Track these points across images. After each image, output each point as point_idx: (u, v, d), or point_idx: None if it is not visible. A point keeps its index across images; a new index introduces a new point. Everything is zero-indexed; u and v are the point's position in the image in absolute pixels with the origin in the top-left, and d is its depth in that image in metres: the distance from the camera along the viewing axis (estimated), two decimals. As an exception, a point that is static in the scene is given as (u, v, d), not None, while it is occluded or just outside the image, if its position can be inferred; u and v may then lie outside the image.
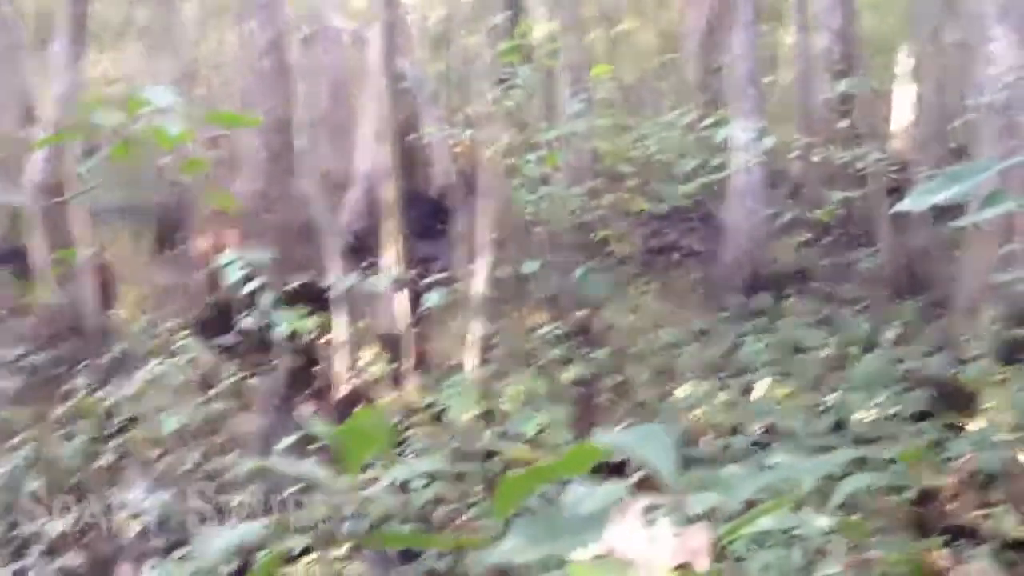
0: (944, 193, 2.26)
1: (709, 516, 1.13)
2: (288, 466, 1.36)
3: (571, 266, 6.28)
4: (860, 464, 5.24)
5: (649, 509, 0.98)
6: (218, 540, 1.25)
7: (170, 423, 6.23)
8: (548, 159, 5.30)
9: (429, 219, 18.69)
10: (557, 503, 1.11)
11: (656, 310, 11.24)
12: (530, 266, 5.36)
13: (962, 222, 2.44)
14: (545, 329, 5.94)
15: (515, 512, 1.15)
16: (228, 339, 6.83)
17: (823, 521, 1.33)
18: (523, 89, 5.33)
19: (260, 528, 1.21)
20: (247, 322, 5.25)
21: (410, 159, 19.77)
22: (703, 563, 0.88)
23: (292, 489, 5.05)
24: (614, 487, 1.10)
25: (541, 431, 5.11)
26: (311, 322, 5.24)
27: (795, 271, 13.58)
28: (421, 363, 8.16)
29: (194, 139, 2.72)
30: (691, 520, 1.11)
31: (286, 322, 5.05)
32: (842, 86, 6.50)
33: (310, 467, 1.29)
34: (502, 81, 5.53)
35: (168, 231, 19.38)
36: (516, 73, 5.56)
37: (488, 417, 6.66)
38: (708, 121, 5.07)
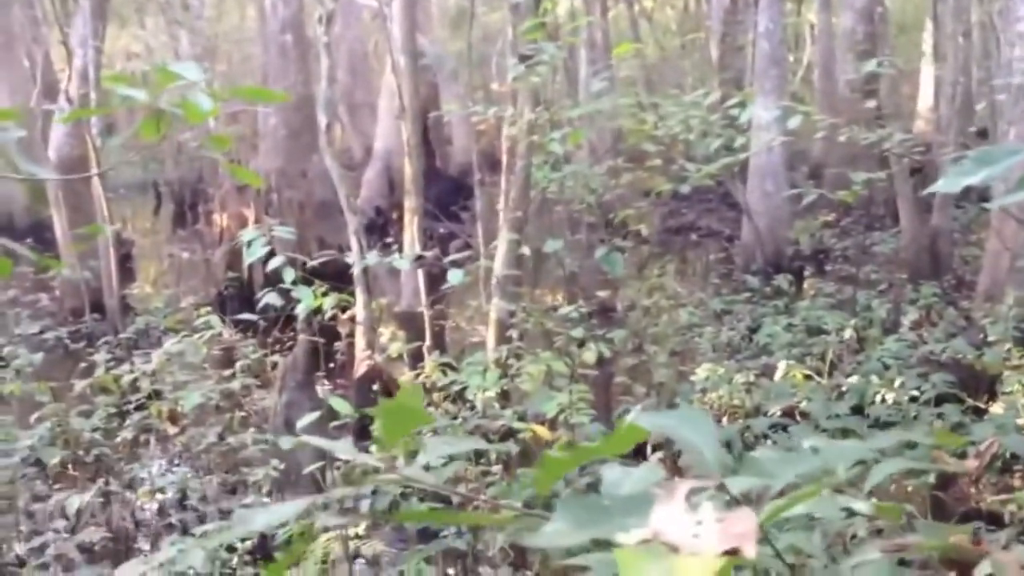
0: (978, 175, 2.23)
1: (749, 500, 1.12)
2: (320, 442, 1.35)
3: (592, 245, 6.26)
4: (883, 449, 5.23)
5: (693, 493, 0.97)
6: (260, 517, 1.24)
7: (192, 399, 6.26)
8: (572, 137, 5.27)
9: (449, 196, 18.71)
10: (595, 485, 1.11)
11: (675, 290, 11.21)
12: (552, 245, 5.33)
13: (992, 205, 2.41)
14: (565, 309, 5.91)
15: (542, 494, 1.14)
16: (250, 315, 6.83)
17: (862, 506, 1.32)
18: (547, 67, 5.29)
19: (300, 507, 1.20)
20: (269, 298, 5.25)
21: (431, 137, 19.79)
22: (751, 549, 0.87)
23: (312, 467, 5.07)
24: (652, 469, 1.09)
25: (561, 411, 5.11)
26: (332, 300, 5.24)
27: (815, 252, 13.53)
28: (440, 342, 8.18)
29: (217, 115, 2.72)
30: (731, 504, 1.10)
31: (308, 298, 5.05)
32: (868, 67, 6.41)
33: (341, 445, 1.29)
34: (524, 58, 5.49)
35: (188, 206, 19.49)
36: (540, 50, 5.52)
37: (507, 396, 6.67)
38: (731, 101, 5.02)
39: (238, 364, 6.97)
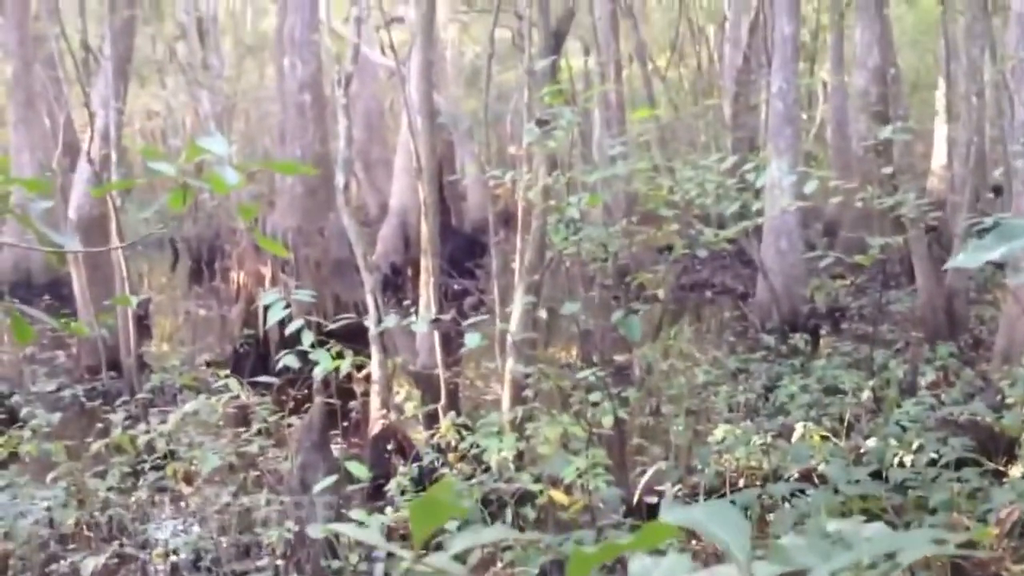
0: (996, 251, 2.25)
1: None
2: (351, 531, 1.35)
3: (605, 304, 6.27)
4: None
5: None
6: None
7: (211, 461, 6.25)
8: (590, 200, 5.32)
9: (463, 253, 18.81)
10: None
11: (690, 349, 11.19)
12: (569, 307, 5.34)
13: (1010, 280, 2.42)
14: (583, 372, 5.90)
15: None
16: (268, 377, 6.84)
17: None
18: (564, 131, 5.35)
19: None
20: (287, 360, 5.28)
21: (446, 194, 19.94)
22: None
23: (326, 531, 5.04)
24: (679, 560, 1.09)
25: (579, 475, 5.09)
26: (348, 361, 5.26)
27: (831, 310, 13.50)
28: (455, 402, 8.17)
29: (245, 185, 2.76)
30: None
31: (326, 361, 5.07)
32: (884, 133, 6.45)
33: (373, 534, 1.30)
34: (541, 123, 5.56)
35: (204, 263, 19.64)
36: (556, 115, 5.59)
37: (522, 458, 6.64)
38: (747, 165, 5.05)
39: (254, 426, 6.96)
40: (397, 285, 17.08)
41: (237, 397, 6.53)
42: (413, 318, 4.92)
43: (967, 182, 12.23)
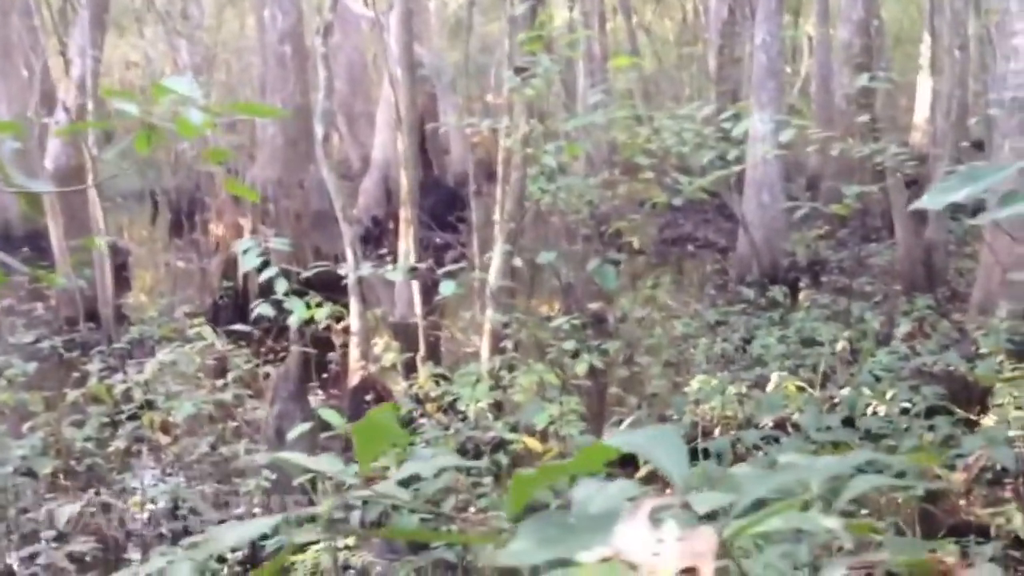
0: (962, 191, 2.25)
1: (717, 515, 1.13)
2: (300, 459, 1.35)
3: (586, 256, 6.26)
4: (871, 462, 5.23)
5: (658, 510, 0.97)
6: (231, 533, 1.26)
7: (185, 409, 6.26)
8: (568, 149, 5.28)
9: (446, 207, 18.73)
10: (566, 500, 1.11)
11: (666, 301, 11.22)
12: (545, 256, 5.34)
13: (980, 220, 2.43)
14: (559, 320, 5.92)
15: (528, 507, 1.15)
16: (243, 326, 6.83)
17: (831, 522, 1.32)
18: (542, 79, 5.31)
19: (272, 522, 1.21)
20: (262, 309, 5.26)
21: (428, 147, 19.82)
22: (708, 568, 0.87)
23: (303, 478, 5.07)
24: (624, 485, 1.09)
25: (552, 423, 5.11)
26: (325, 311, 5.24)
27: (811, 264, 13.54)
28: (434, 352, 8.18)
29: (215, 127, 2.73)
30: (700, 520, 1.11)
31: (300, 310, 5.06)
32: (861, 81, 6.42)
33: (322, 461, 1.30)
34: (520, 71, 5.51)
35: (184, 215, 19.51)
36: (536, 62, 5.53)
37: (500, 408, 6.66)
38: (726, 114, 5.02)
39: (230, 375, 6.96)
40: (378, 238, 17.01)
41: (212, 346, 6.51)
42: (391, 267, 4.90)
43: (948, 136, 12.23)
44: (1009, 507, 4.24)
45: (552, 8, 18.30)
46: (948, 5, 14.39)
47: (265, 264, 4.69)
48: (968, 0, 12.70)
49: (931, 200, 2.44)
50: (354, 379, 7.99)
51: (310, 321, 6.99)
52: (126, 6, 21.53)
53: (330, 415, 4.41)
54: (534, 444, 5.06)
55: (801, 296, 12.44)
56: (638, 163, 5.74)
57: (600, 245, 6.37)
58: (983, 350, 6.68)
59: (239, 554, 5.46)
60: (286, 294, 5.03)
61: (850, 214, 14.08)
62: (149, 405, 6.94)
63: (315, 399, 8.92)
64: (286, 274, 5.18)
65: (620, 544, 0.90)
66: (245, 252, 4.43)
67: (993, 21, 11.39)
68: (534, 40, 5.30)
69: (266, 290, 7.03)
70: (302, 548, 4.87)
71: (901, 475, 5.07)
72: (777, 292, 10.49)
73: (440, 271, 5.34)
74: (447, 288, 4.56)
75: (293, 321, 5.25)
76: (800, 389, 6.90)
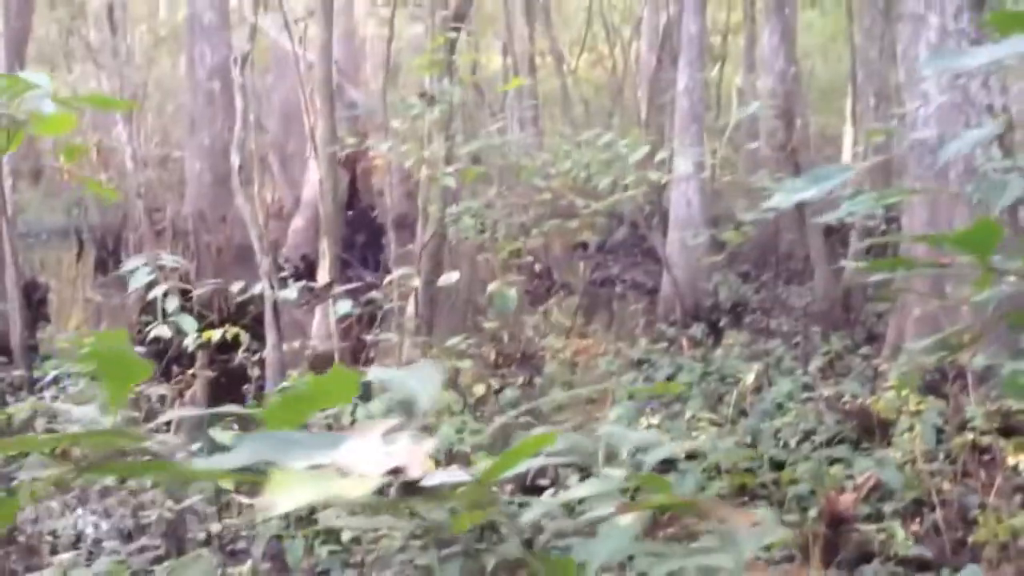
0: (810, 191, 2.32)
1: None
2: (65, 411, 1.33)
3: (485, 282, 6.29)
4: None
5: (392, 431, 0.97)
6: None
7: (67, 436, 6.10)
8: (469, 173, 5.32)
9: (379, 246, 18.68)
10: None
11: (596, 339, 11.29)
12: (445, 279, 5.36)
13: (825, 219, 2.50)
14: (453, 340, 5.93)
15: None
16: (140, 349, 6.70)
17: (615, 473, 1.33)
18: (445, 103, 5.35)
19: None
20: (159, 330, 5.18)
21: (360, 187, 19.81)
22: (415, 469, 0.88)
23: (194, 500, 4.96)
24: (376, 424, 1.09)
25: (452, 445, 5.09)
26: (218, 333, 5.18)
27: (734, 305, 13.73)
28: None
29: (75, 125, 2.69)
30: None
31: (191, 329, 4.99)
32: (749, 109, 6.59)
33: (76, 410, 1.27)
34: (423, 95, 5.56)
35: (109, 252, 19.20)
36: (444, 90, 5.59)
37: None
38: (622, 142, 5.10)
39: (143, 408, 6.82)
40: (308, 276, 16.88)
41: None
42: (289, 289, 4.87)
43: (865, 180, 12.55)
44: (890, 524, 4.31)
45: (484, 51, 18.55)
46: (868, 57, 14.84)
47: (153, 282, 4.63)
48: (883, 48, 13.12)
49: (780, 200, 2.49)
50: (268, 411, 7.89)
51: (225, 350, 6.91)
52: (54, 42, 21.32)
53: (219, 435, 4.34)
54: (429, 464, 5.02)
55: (725, 336, 12.60)
56: (538, 187, 5.79)
57: (503, 271, 6.40)
58: (887, 384, 6.81)
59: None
60: (176, 312, 4.96)
61: (775, 257, 14.32)
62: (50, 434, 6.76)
63: (232, 431, 8.79)
64: (184, 294, 5.11)
65: (342, 455, 0.89)
66: (132, 271, 4.36)
67: (903, 69, 11.76)
68: (430, 65, 5.36)
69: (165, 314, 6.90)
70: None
71: (797, 499, 5.14)
72: (696, 331, 10.63)
73: (333, 292, 5.31)
74: (343, 308, 4.54)
75: (189, 342, 5.17)
76: (713, 423, 6.97)
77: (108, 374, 1.09)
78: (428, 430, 1.23)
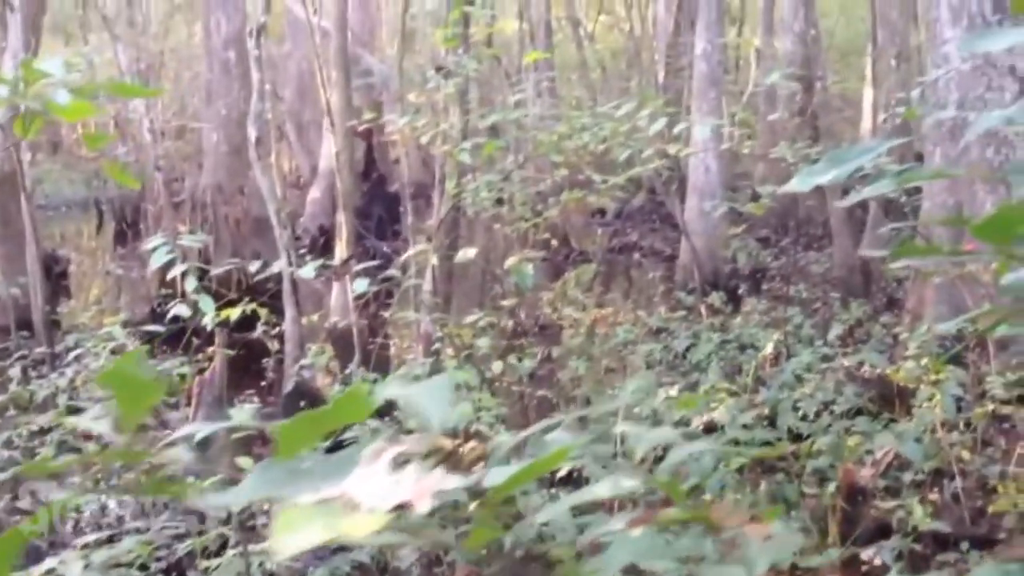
0: (829, 174, 2.28)
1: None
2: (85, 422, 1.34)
3: (503, 255, 6.25)
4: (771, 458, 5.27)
5: (403, 456, 0.96)
6: None
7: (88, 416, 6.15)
8: (488, 146, 5.29)
9: (395, 217, 18.66)
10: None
11: (614, 308, 11.26)
12: (464, 255, 5.34)
13: (845, 202, 2.48)
14: (472, 317, 5.93)
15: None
16: (156, 326, 6.75)
17: (629, 483, 1.32)
18: (461, 77, 5.31)
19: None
20: (178, 310, 5.20)
21: (376, 156, 19.75)
22: (424, 504, 0.87)
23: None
24: (376, 443, 1.08)
25: (473, 421, 5.10)
26: (238, 310, 5.19)
27: (753, 271, 13.67)
28: (369, 357, 8.13)
29: (95, 113, 2.67)
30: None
31: (209, 307, 5.00)
32: (773, 78, 6.50)
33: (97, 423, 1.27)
34: (440, 69, 5.52)
35: (128, 224, 19.29)
36: (461, 63, 5.54)
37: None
38: (642, 113, 5.04)
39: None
40: (325, 246, 16.90)
41: (124, 348, 6.42)
42: (307, 266, 4.86)
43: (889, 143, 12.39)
44: (909, 500, 4.29)
45: (500, 15, 18.34)
46: (889, 17, 14.62)
47: (173, 261, 4.64)
48: (906, 12, 12.91)
49: (799, 183, 2.45)
50: (288, 385, 7.92)
51: (245, 326, 6.92)
52: (70, 12, 21.28)
53: (239, 414, 4.36)
54: (444, 443, 5.03)
55: (743, 303, 12.55)
56: (556, 162, 5.75)
57: (520, 244, 6.36)
58: (908, 353, 6.76)
59: (163, 563, 5.39)
60: (196, 291, 4.97)
61: (795, 222, 14.22)
62: (72, 412, 6.83)
63: (252, 406, 8.85)
64: (202, 273, 5.12)
65: (350, 486, 0.89)
66: (153, 250, 4.37)
67: (928, 31, 11.58)
68: (452, 39, 5.31)
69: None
70: (218, 552, 4.81)
71: (816, 472, 5.13)
72: (715, 299, 10.59)
73: (357, 267, 5.31)
74: (360, 286, 4.53)
75: (207, 321, 5.18)
76: (731, 393, 6.95)
77: (122, 397, 1.09)
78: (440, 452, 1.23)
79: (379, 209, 17.70)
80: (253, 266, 5.02)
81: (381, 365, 9.22)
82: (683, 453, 1.50)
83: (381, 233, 16.76)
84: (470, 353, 5.74)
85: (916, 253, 2.22)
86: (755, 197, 6.56)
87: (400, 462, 0.96)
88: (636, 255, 16.98)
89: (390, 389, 1.14)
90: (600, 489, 1.32)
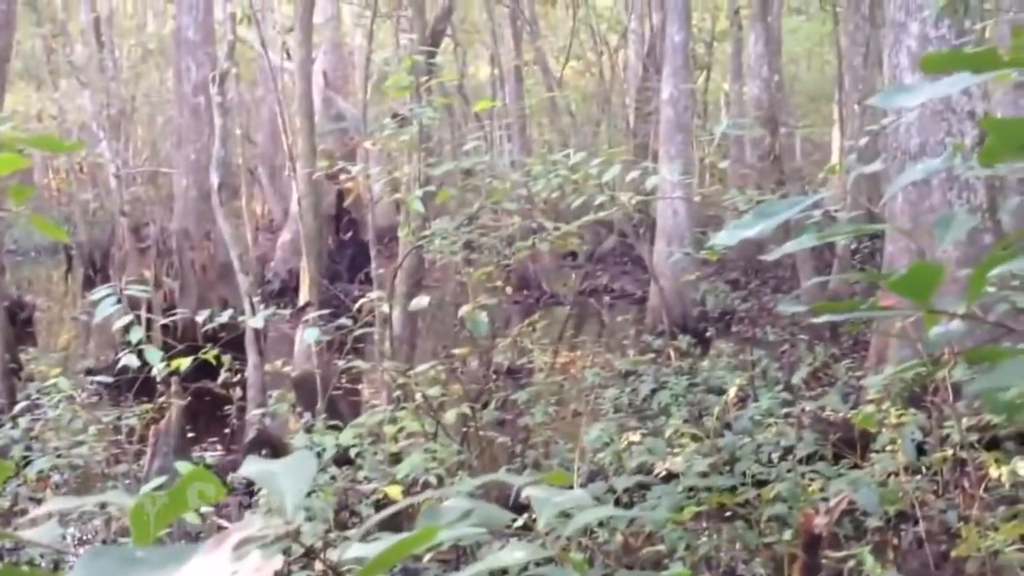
0: (756, 228, 2.28)
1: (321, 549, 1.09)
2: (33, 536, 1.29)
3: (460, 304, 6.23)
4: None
5: (247, 542, 0.93)
6: None
7: (38, 464, 6.08)
8: (441, 194, 5.30)
9: (366, 261, 18.63)
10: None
11: (584, 351, 11.27)
12: (416, 304, 5.32)
13: (774, 255, 2.47)
14: (421, 368, 5.90)
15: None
16: (105, 378, 6.68)
17: (519, 554, 1.29)
18: (414, 124, 5.33)
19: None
20: (127, 360, 5.14)
21: (352, 201, 19.72)
22: None
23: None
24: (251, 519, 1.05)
25: (408, 475, 5.05)
26: (187, 361, 5.13)
27: (722, 314, 13.71)
28: (335, 404, 8.06)
29: (20, 164, 2.65)
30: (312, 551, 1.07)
31: (155, 360, 4.94)
32: (720, 128, 6.55)
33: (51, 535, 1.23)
34: (396, 116, 5.54)
35: (96, 270, 19.16)
36: (416, 112, 5.56)
37: (399, 460, 6.55)
38: (594, 162, 5.05)
39: (91, 428, 6.77)
40: (295, 290, 16.84)
41: (73, 399, 6.34)
42: (256, 315, 4.82)
43: (860, 187, 12.51)
44: (861, 551, 4.27)
45: (472, 59, 18.52)
46: (853, 63, 14.82)
47: (121, 311, 4.59)
48: (866, 55, 13.11)
49: (726, 237, 2.44)
50: (250, 433, 7.84)
51: (208, 373, 6.83)
52: (41, 58, 21.28)
53: (182, 467, 4.29)
54: (394, 492, 4.98)
55: (712, 346, 12.56)
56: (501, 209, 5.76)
57: (475, 292, 6.36)
58: (869, 396, 6.77)
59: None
60: (140, 342, 4.92)
61: (763, 265, 14.26)
62: (27, 462, 6.73)
63: (214, 454, 8.74)
64: (149, 323, 5.07)
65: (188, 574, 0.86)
66: (100, 300, 4.33)
67: (887, 74, 11.74)
68: (398, 89, 5.34)
69: (164, 344, 6.85)
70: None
71: (775, 519, 5.10)
72: (682, 342, 10.60)
73: (304, 318, 5.27)
74: (310, 336, 4.50)
75: (157, 372, 5.13)
76: (695, 437, 6.91)
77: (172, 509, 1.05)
78: (295, 534, 1.18)
79: (351, 253, 17.67)
80: (200, 317, 4.96)
81: (353, 411, 9.15)
82: (588, 517, 1.47)
83: (352, 277, 16.72)
84: (428, 401, 5.70)
85: (834, 310, 2.20)
86: (709, 247, 6.58)
87: (243, 549, 0.92)
88: (607, 298, 17.01)
89: (248, 467, 1.11)
90: (482, 565, 1.29)
